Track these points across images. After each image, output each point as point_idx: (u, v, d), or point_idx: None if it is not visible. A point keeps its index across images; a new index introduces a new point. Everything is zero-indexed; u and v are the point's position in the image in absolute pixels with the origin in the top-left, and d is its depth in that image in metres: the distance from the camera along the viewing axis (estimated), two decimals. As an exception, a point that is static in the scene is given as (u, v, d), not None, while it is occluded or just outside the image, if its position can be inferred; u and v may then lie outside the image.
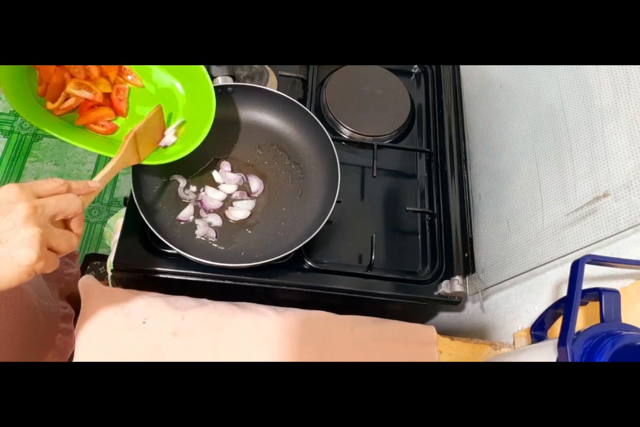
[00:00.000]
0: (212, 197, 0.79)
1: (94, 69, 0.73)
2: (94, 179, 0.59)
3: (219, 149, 0.83)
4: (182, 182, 0.79)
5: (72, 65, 0.71)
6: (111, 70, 0.74)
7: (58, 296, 1.12)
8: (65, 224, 0.53)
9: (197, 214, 0.78)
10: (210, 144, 0.82)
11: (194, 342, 0.69)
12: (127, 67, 0.76)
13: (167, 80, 0.79)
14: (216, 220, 0.77)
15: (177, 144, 0.75)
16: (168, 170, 0.79)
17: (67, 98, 0.71)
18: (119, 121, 0.75)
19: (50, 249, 0.49)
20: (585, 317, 0.64)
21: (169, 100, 0.78)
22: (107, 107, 0.74)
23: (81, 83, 0.71)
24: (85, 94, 0.72)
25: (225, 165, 0.82)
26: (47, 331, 1.02)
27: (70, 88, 0.70)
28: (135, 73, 0.77)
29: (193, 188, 0.79)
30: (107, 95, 0.74)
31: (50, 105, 0.70)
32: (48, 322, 1.02)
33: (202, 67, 0.76)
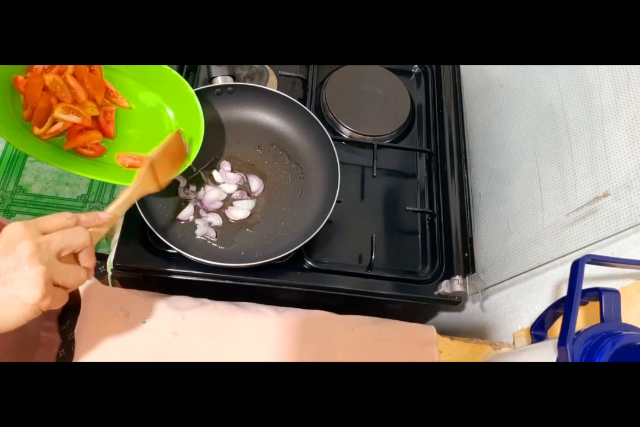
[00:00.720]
0: (212, 197, 0.79)
1: (81, 93, 0.71)
2: (106, 209, 0.57)
3: (219, 148, 0.83)
4: (182, 181, 0.79)
5: (59, 90, 0.70)
6: (98, 93, 0.73)
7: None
8: (75, 257, 0.51)
9: (197, 214, 0.78)
10: (210, 144, 0.82)
11: (194, 342, 0.69)
12: (113, 89, 0.76)
13: (153, 100, 0.79)
14: (216, 219, 0.77)
15: None
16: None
17: (54, 122, 0.70)
18: (107, 143, 0.74)
19: (57, 285, 0.48)
20: (585, 317, 0.64)
21: (157, 120, 0.78)
22: (95, 130, 0.73)
23: (69, 107, 0.70)
24: (73, 118, 0.71)
25: (225, 165, 0.82)
26: (30, 328, 1.01)
27: (58, 113, 0.69)
28: (121, 95, 0.77)
29: (193, 188, 0.79)
30: (94, 118, 0.73)
31: (37, 131, 0.68)
32: (24, 336, 1.00)
33: (188, 87, 0.76)
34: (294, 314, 0.74)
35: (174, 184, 0.79)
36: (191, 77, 0.93)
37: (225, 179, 0.80)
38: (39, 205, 1.60)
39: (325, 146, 0.81)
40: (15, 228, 0.47)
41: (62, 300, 0.49)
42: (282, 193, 0.82)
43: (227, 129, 0.84)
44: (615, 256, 0.62)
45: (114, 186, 1.65)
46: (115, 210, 0.57)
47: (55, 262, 0.47)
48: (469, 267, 0.82)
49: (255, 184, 0.81)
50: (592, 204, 0.63)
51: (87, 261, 0.52)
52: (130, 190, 0.61)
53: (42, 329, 1.06)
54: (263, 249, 0.77)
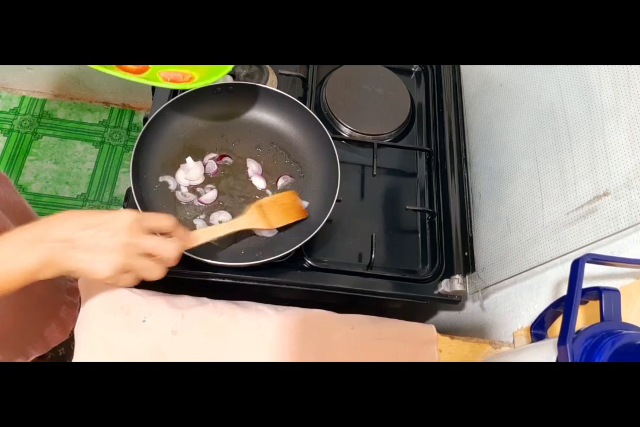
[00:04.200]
0: (211, 195, 0.79)
1: None
2: (199, 231, 0.65)
3: (218, 148, 0.83)
4: (173, 184, 0.79)
5: None
6: None
7: None
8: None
9: (195, 215, 0.78)
10: (210, 143, 0.83)
11: (194, 341, 0.69)
12: None
13: None
14: (226, 216, 0.78)
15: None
16: (167, 169, 0.79)
17: None
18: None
19: (132, 272, 0.57)
20: (585, 316, 0.64)
21: None
22: None
23: None
24: None
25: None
26: (51, 300, 1.04)
27: None
28: None
29: (184, 189, 0.79)
30: None
31: None
32: (53, 291, 1.04)
33: None
34: (294, 313, 0.74)
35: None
36: (191, 76, 0.93)
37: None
38: (38, 204, 1.60)
39: (325, 145, 0.81)
40: (128, 218, 0.56)
41: (127, 283, 0.58)
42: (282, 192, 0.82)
43: (227, 128, 0.84)
44: (615, 255, 0.62)
45: (113, 185, 1.65)
46: (203, 238, 0.65)
47: (138, 257, 0.57)
48: (468, 266, 0.82)
49: (261, 183, 0.81)
50: (592, 203, 0.63)
51: (167, 264, 0.60)
52: (229, 226, 0.69)
53: (64, 302, 1.10)
54: (263, 248, 0.77)
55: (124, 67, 0.71)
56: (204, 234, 0.65)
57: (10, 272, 0.54)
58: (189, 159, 0.79)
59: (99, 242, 0.55)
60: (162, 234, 0.61)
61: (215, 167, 0.81)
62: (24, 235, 0.54)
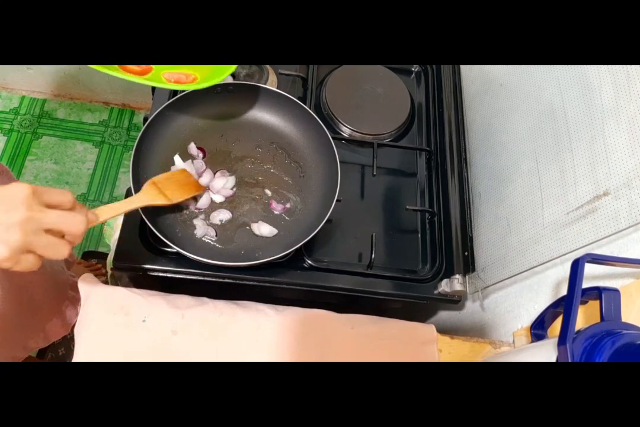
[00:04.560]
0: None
1: None
2: (99, 209, 0.59)
3: (218, 147, 0.83)
4: None
5: None
6: None
7: (64, 264, 1.14)
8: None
9: (194, 215, 0.78)
10: (210, 143, 0.82)
11: (193, 341, 0.69)
12: None
13: None
14: (226, 215, 0.78)
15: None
16: (167, 169, 0.79)
17: None
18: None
19: (34, 253, 0.50)
20: (585, 316, 0.64)
21: None
22: None
23: None
24: None
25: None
26: (54, 295, 1.04)
27: None
28: None
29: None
30: None
31: None
32: (57, 286, 1.05)
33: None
34: (294, 313, 0.74)
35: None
36: (191, 76, 0.93)
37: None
38: (38, 204, 1.60)
39: (325, 145, 0.81)
40: (22, 190, 0.49)
41: (29, 266, 0.50)
42: (282, 192, 0.82)
43: (226, 128, 0.84)
44: (615, 254, 0.62)
45: (113, 185, 1.65)
46: (104, 216, 0.60)
47: (39, 233, 0.49)
48: (468, 266, 0.82)
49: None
50: (592, 203, 0.63)
51: (73, 241, 0.53)
52: (126, 201, 0.66)
53: (67, 298, 1.10)
54: (263, 248, 0.77)
55: (127, 69, 0.71)
56: (104, 211, 0.60)
57: None
58: (176, 158, 0.80)
59: None
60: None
61: (204, 166, 0.81)
62: None
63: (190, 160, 0.80)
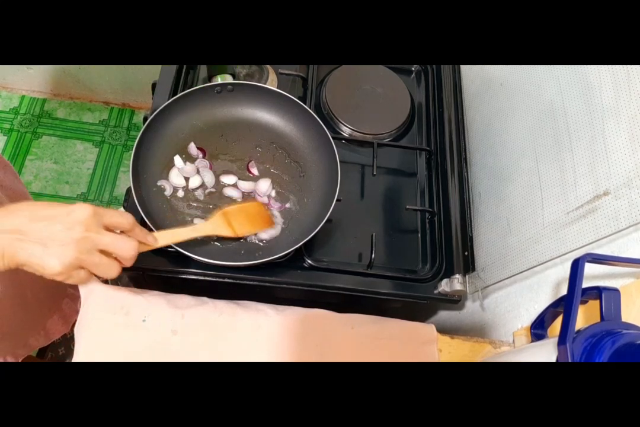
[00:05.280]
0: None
1: None
2: (159, 234, 0.62)
3: (218, 147, 0.83)
4: (169, 189, 0.79)
5: None
6: None
7: None
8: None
9: (194, 215, 0.77)
10: (210, 143, 0.82)
11: (193, 341, 0.69)
12: None
13: None
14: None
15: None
16: (167, 169, 0.79)
17: None
18: None
19: (86, 269, 0.55)
20: (585, 316, 0.64)
21: None
22: None
23: None
24: None
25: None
26: (54, 292, 1.05)
27: None
28: None
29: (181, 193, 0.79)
30: None
31: None
32: (57, 284, 1.05)
33: None
34: (294, 313, 0.74)
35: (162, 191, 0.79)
36: (191, 76, 0.93)
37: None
38: (38, 204, 1.60)
39: (325, 145, 0.81)
40: (84, 212, 0.53)
41: (83, 281, 0.55)
42: (281, 192, 0.82)
43: (226, 127, 0.84)
44: (615, 254, 0.62)
45: (113, 185, 1.65)
46: (163, 241, 0.63)
47: (92, 252, 0.54)
48: (468, 265, 0.82)
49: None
50: (592, 203, 0.63)
51: (125, 263, 0.57)
52: (191, 230, 0.67)
53: (67, 295, 1.12)
54: (263, 248, 0.77)
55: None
56: (163, 237, 0.63)
57: None
58: (177, 158, 0.80)
59: (50, 235, 0.52)
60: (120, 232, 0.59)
61: (207, 165, 0.81)
62: None
63: (190, 162, 0.80)
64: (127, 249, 0.55)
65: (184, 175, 0.79)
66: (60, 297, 1.09)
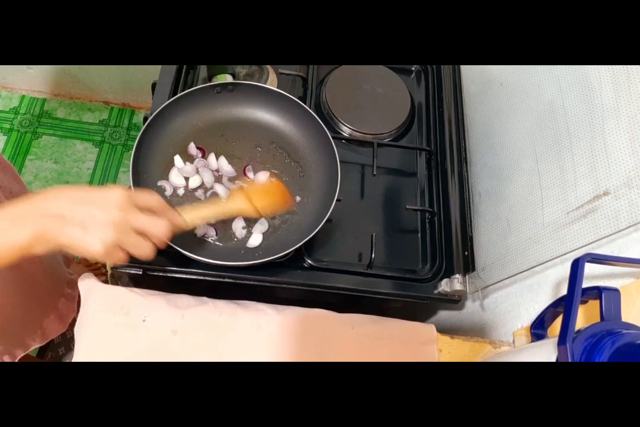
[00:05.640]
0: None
1: None
2: (185, 212, 0.64)
3: (218, 147, 0.83)
4: (169, 189, 0.79)
5: None
6: None
7: (63, 262, 1.14)
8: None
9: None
10: (210, 143, 0.82)
11: (193, 341, 0.69)
12: None
13: None
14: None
15: None
16: (167, 169, 0.79)
17: None
18: None
19: (123, 249, 0.57)
20: (585, 316, 0.64)
21: None
22: None
23: None
24: None
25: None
26: (51, 292, 1.06)
27: None
28: None
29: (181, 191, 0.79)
30: None
31: None
32: (53, 283, 1.06)
33: None
34: (294, 313, 0.74)
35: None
36: (191, 76, 0.93)
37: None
38: (38, 204, 1.60)
39: (325, 145, 0.81)
40: (118, 194, 0.56)
41: (119, 259, 0.58)
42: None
43: (226, 127, 0.84)
44: (615, 254, 0.62)
45: (113, 184, 1.65)
46: (193, 220, 0.65)
47: (129, 233, 0.57)
48: (468, 265, 0.82)
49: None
50: (592, 203, 0.63)
51: (157, 244, 0.60)
52: (215, 207, 0.68)
53: (63, 295, 1.11)
54: (263, 248, 0.77)
55: None
56: (192, 219, 0.65)
57: (1, 246, 0.53)
58: (177, 158, 0.80)
59: (91, 218, 0.54)
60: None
61: (205, 164, 0.81)
62: (16, 210, 0.54)
63: (190, 162, 0.80)
64: (161, 228, 0.58)
65: (183, 175, 0.79)
66: (57, 297, 1.09)
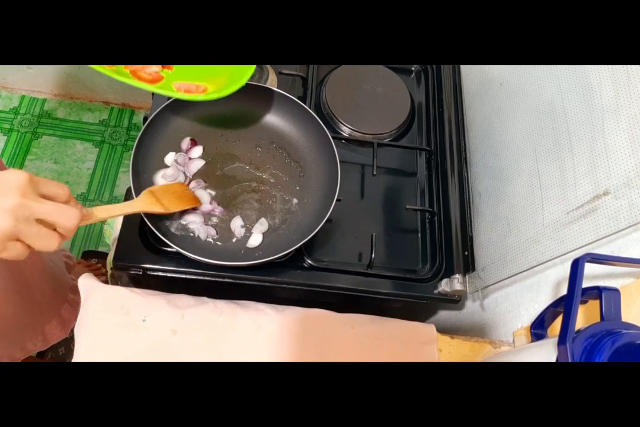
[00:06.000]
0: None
1: None
2: (94, 208, 0.59)
3: (218, 147, 0.83)
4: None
5: None
6: None
7: (65, 267, 1.14)
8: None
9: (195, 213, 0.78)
10: (210, 143, 0.82)
11: (193, 341, 0.69)
12: None
13: None
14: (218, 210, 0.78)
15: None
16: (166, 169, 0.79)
17: None
18: (165, 73, 0.75)
19: (22, 242, 0.49)
20: (585, 316, 0.64)
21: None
22: None
23: None
24: None
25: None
26: (54, 297, 1.05)
27: None
28: None
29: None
30: None
31: None
32: (56, 289, 1.05)
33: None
34: (294, 313, 0.74)
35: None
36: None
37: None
38: (38, 204, 1.60)
39: (325, 145, 0.81)
40: (18, 178, 0.48)
41: (19, 254, 0.49)
42: (281, 191, 0.82)
43: (226, 127, 0.84)
44: (615, 254, 0.62)
45: (113, 184, 1.65)
46: (98, 214, 0.59)
47: (30, 221, 0.48)
48: (468, 265, 0.82)
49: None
50: (592, 203, 0.63)
51: (65, 235, 0.52)
52: (124, 205, 0.66)
53: (66, 301, 1.10)
54: (263, 248, 0.77)
55: (138, 77, 0.72)
56: (99, 211, 0.60)
57: None
58: (169, 155, 0.80)
59: None
60: None
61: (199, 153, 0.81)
62: None
63: (180, 152, 0.80)
64: (70, 217, 0.50)
65: (168, 180, 0.78)
66: (60, 303, 1.08)
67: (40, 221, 0.49)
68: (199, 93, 0.72)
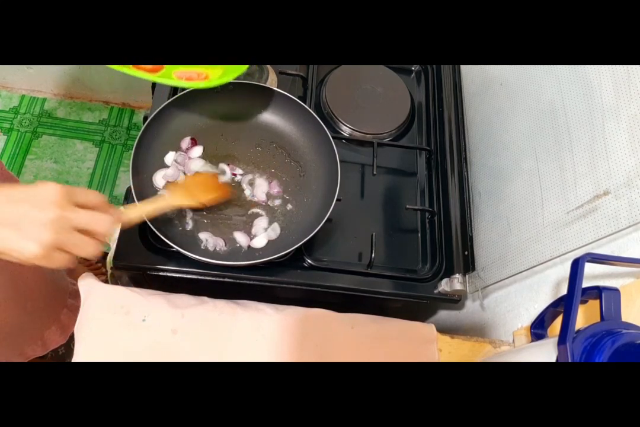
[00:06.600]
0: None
1: None
2: (126, 209, 0.61)
3: (218, 147, 0.83)
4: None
5: None
6: None
7: (65, 271, 1.14)
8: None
9: (198, 228, 0.77)
10: (210, 143, 0.82)
11: (193, 340, 0.69)
12: None
13: None
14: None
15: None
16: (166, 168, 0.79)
17: None
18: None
19: (65, 251, 0.52)
20: (585, 316, 0.64)
21: None
22: None
23: None
24: None
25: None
26: (54, 302, 1.04)
27: None
28: None
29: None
30: None
31: None
32: (55, 294, 1.05)
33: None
34: (294, 313, 0.74)
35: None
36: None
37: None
38: (38, 204, 1.59)
39: (325, 144, 0.81)
40: (54, 190, 0.50)
41: (61, 263, 0.52)
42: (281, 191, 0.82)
43: (226, 127, 0.84)
44: (615, 254, 0.62)
45: (113, 184, 1.65)
46: (136, 216, 0.63)
47: (70, 231, 0.51)
48: (468, 265, 0.82)
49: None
50: (592, 203, 0.63)
51: (102, 241, 0.55)
52: (156, 203, 0.67)
53: (66, 306, 1.10)
54: (263, 248, 0.77)
55: (139, 67, 0.72)
56: (132, 212, 0.62)
57: None
58: (169, 155, 0.79)
59: (23, 217, 0.49)
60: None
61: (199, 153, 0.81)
62: None
63: (180, 152, 0.80)
64: (104, 224, 0.53)
65: (167, 180, 0.78)
66: (60, 308, 1.07)
67: (78, 230, 0.52)
68: (200, 80, 0.72)
